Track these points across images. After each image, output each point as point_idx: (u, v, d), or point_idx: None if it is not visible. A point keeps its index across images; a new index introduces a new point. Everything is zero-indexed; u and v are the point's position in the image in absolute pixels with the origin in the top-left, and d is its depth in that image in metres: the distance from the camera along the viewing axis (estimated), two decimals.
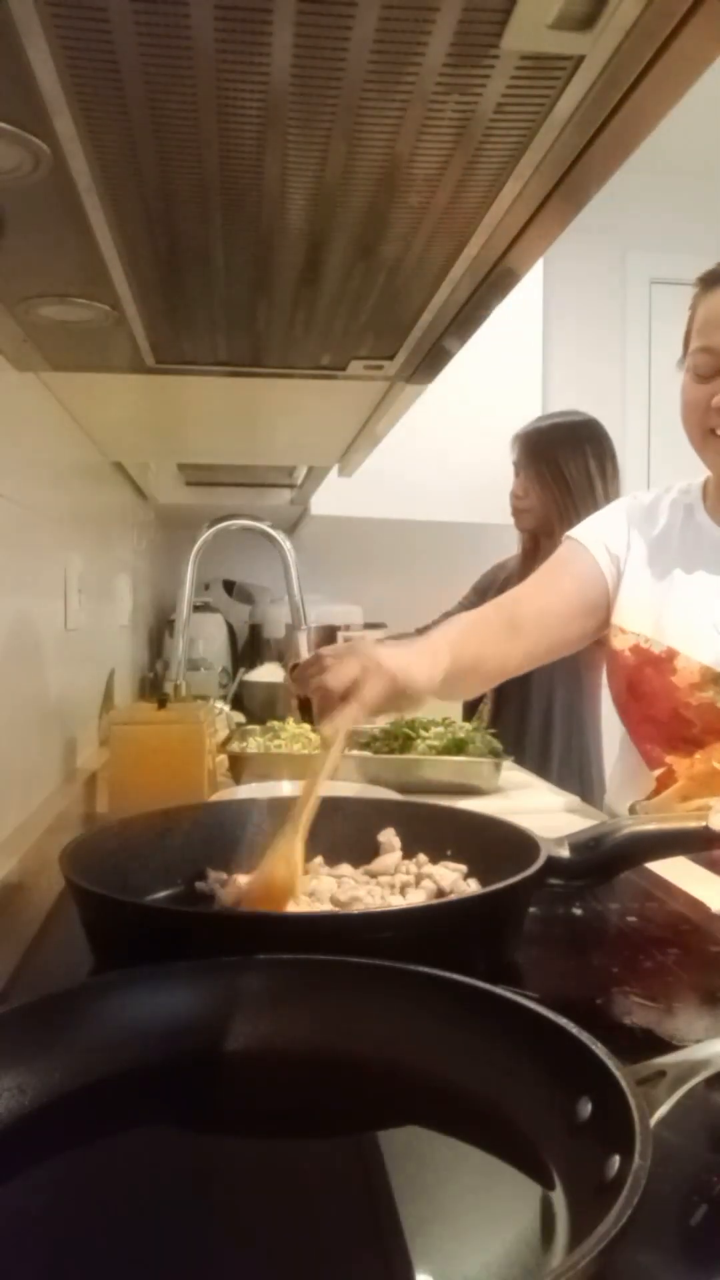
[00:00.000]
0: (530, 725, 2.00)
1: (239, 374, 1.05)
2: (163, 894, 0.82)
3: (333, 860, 0.87)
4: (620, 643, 1.23)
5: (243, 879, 0.81)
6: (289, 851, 0.76)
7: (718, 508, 1.24)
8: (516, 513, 2.08)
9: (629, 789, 1.29)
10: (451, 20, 0.44)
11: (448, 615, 2.17)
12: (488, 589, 2.27)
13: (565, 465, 1.96)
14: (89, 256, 0.71)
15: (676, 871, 0.94)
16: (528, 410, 2.09)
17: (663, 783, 1.20)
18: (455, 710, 2.16)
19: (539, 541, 2.01)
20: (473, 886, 0.80)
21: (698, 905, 0.87)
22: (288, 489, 2.43)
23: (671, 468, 1.35)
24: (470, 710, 2.13)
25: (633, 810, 1.22)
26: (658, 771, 1.20)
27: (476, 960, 0.66)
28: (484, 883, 0.79)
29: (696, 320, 1.15)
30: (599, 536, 1.29)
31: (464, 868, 0.83)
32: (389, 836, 0.88)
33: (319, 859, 0.87)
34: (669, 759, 1.19)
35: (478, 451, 2.25)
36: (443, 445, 2.23)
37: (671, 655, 1.17)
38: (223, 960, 0.57)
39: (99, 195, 0.61)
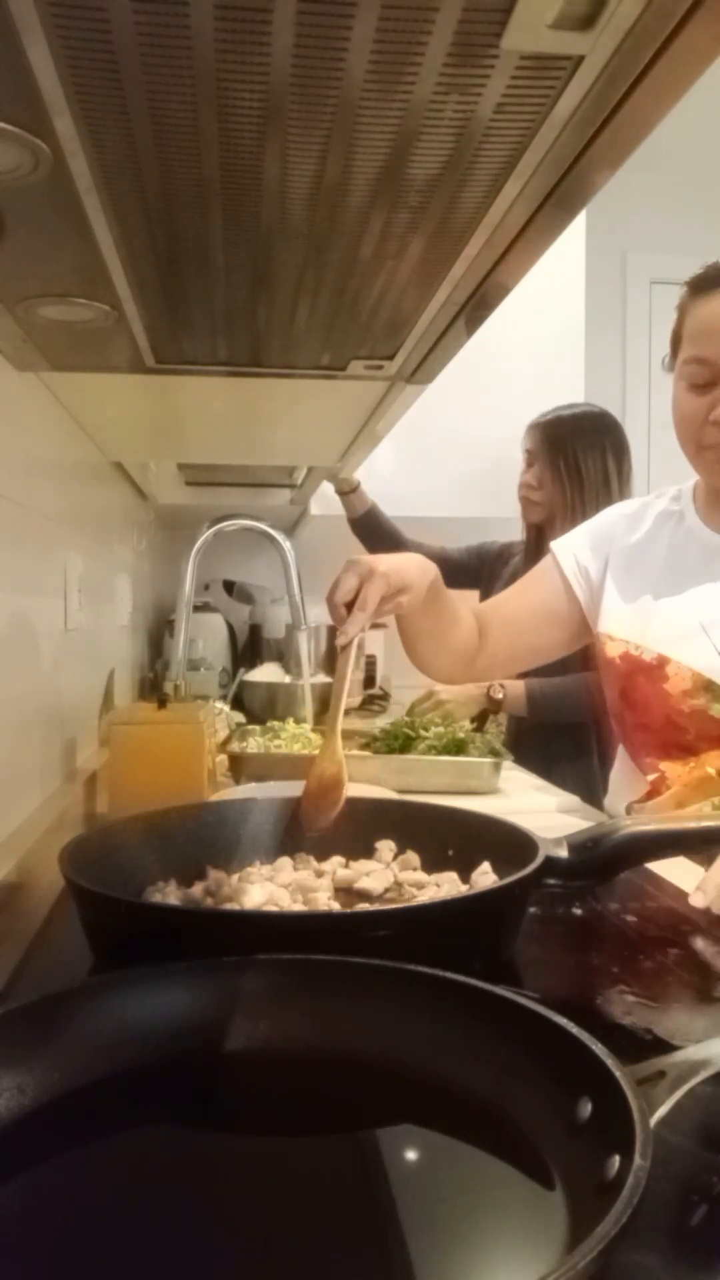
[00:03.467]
0: (549, 743, 1.97)
1: (239, 374, 1.05)
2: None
3: (324, 856, 0.88)
4: (611, 650, 1.23)
5: (255, 871, 0.83)
6: (331, 749, 0.94)
7: (709, 512, 1.23)
8: (526, 503, 2.03)
9: (628, 791, 1.29)
10: (451, 20, 0.44)
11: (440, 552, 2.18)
12: (481, 552, 2.27)
13: (583, 460, 1.91)
14: (89, 256, 0.71)
15: (677, 872, 0.94)
16: (527, 407, 2.08)
17: (655, 787, 1.20)
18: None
19: (544, 534, 1.98)
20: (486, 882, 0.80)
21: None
22: (288, 489, 2.43)
23: (672, 467, 1.35)
24: (482, 721, 2.11)
25: (628, 812, 1.22)
26: (651, 776, 1.20)
27: (475, 959, 0.66)
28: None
29: (688, 328, 1.13)
30: (571, 548, 1.31)
31: (455, 877, 0.83)
32: (384, 845, 0.88)
33: (311, 858, 0.88)
34: (663, 765, 1.19)
35: (477, 447, 2.24)
36: (442, 443, 2.22)
37: (663, 662, 1.16)
38: (223, 960, 0.57)
39: (99, 195, 0.61)
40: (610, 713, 1.29)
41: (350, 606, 0.99)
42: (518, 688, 1.88)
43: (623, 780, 1.32)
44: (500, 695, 1.87)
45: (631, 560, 1.25)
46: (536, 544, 2.01)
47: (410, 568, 1.07)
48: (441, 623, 1.21)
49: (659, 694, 1.16)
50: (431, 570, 1.11)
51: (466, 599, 1.35)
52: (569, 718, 1.91)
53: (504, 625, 1.31)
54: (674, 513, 1.26)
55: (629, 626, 1.21)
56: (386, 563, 1.03)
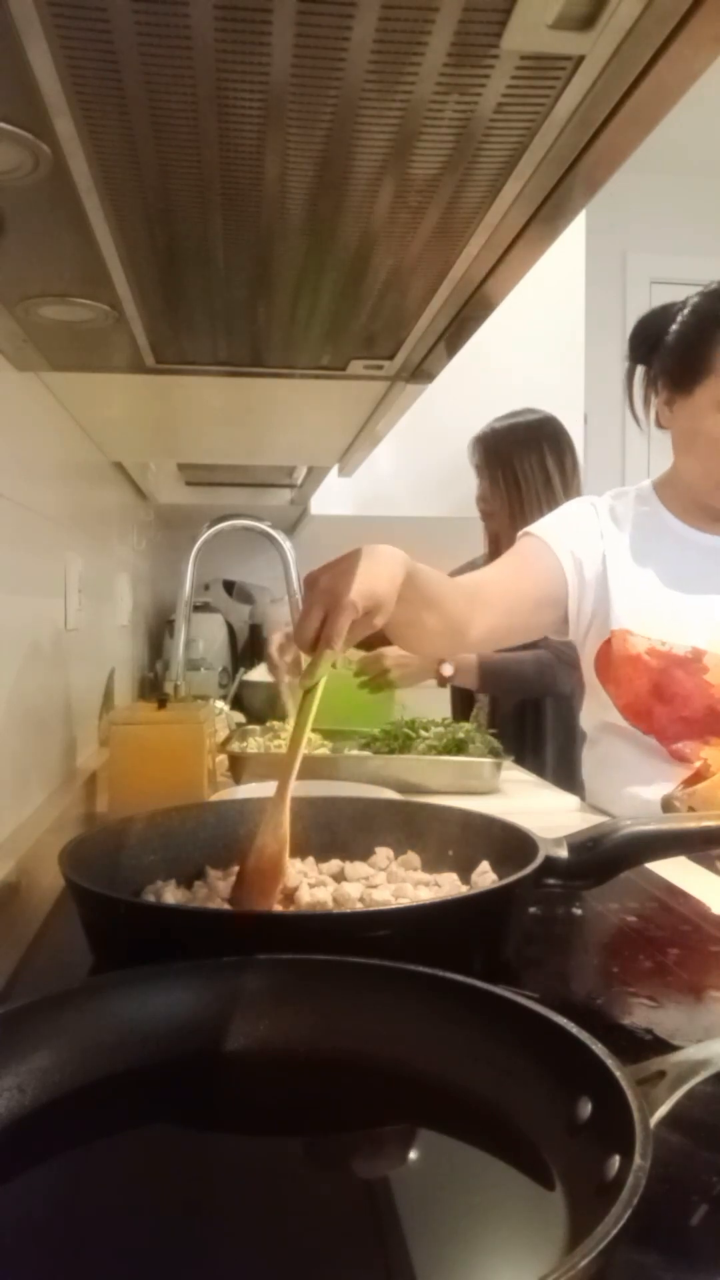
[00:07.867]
0: (528, 725, 1.99)
1: (239, 374, 1.05)
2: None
3: (324, 858, 0.88)
4: (634, 646, 1.24)
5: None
6: (276, 821, 0.79)
7: (687, 512, 1.28)
8: (483, 515, 2.09)
9: (612, 785, 1.30)
10: (451, 20, 0.44)
11: None
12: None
13: (520, 466, 1.96)
14: (89, 256, 0.71)
15: (676, 871, 0.94)
16: (527, 407, 2.08)
17: (699, 775, 1.22)
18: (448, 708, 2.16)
19: (500, 543, 2.02)
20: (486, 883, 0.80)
21: (698, 905, 0.87)
22: (288, 489, 2.43)
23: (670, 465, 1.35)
24: (466, 710, 2.13)
25: (667, 801, 1.23)
26: (697, 764, 1.22)
27: (475, 959, 0.66)
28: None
29: None
30: (563, 539, 1.30)
31: (455, 877, 0.83)
32: (384, 852, 0.88)
33: (310, 858, 0.88)
34: (704, 753, 1.21)
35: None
36: (442, 443, 2.22)
37: (699, 655, 1.20)
38: (223, 960, 0.57)
39: (99, 195, 0.61)
40: (629, 710, 1.28)
41: (317, 640, 0.86)
42: (469, 660, 1.86)
43: (601, 777, 1.33)
44: (449, 672, 1.83)
45: (635, 557, 1.27)
46: (496, 551, 2.04)
47: (380, 583, 0.93)
48: (418, 612, 1.10)
49: (700, 685, 1.20)
50: (400, 572, 0.98)
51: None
52: (520, 694, 1.95)
53: (501, 602, 1.27)
54: (647, 513, 1.31)
55: (653, 622, 1.23)
56: (354, 585, 0.88)
